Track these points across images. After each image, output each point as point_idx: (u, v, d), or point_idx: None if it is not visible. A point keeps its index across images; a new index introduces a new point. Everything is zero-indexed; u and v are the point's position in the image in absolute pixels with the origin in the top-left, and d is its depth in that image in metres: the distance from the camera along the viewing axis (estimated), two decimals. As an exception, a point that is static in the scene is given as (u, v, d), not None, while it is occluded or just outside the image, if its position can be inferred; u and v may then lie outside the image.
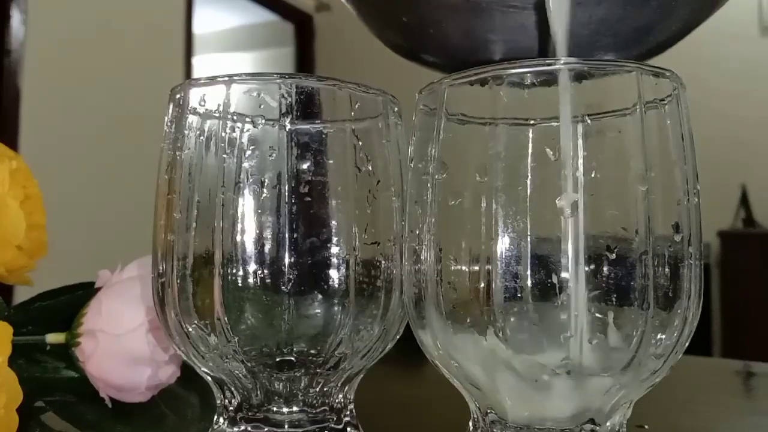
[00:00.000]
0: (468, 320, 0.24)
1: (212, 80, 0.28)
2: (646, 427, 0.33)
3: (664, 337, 0.24)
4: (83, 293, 0.40)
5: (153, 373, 0.37)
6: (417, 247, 0.25)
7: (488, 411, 0.25)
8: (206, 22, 3.40)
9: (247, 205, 0.27)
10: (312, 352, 0.28)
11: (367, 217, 0.28)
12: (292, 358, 0.27)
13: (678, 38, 0.32)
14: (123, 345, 0.36)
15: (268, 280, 0.26)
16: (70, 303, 0.39)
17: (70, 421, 0.37)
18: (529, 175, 0.23)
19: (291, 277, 0.26)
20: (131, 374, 0.36)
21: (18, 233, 0.38)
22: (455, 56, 0.34)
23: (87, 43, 2.22)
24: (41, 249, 0.42)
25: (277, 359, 0.27)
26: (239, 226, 0.26)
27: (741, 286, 2.40)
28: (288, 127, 0.28)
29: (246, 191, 0.27)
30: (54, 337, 0.38)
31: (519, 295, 0.23)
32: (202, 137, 0.28)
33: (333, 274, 0.27)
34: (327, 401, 0.29)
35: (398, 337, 0.30)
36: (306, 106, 0.28)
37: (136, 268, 0.39)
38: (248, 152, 0.27)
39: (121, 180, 2.22)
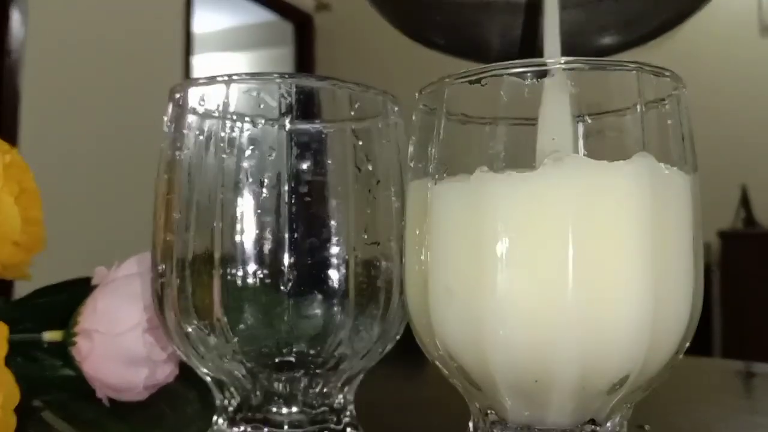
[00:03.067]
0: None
1: (211, 80, 0.28)
2: (646, 427, 0.33)
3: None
4: (80, 290, 0.39)
5: (150, 373, 0.36)
6: (417, 247, 0.25)
7: (488, 411, 0.25)
8: (205, 21, 3.40)
9: (246, 205, 0.27)
10: (312, 352, 0.27)
11: (367, 217, 0.28)
12: (292, 359, 0.27)
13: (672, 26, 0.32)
14: (119, 345, 0.35)
15: (267, 281, 0.26)
16: (67, 300, 0.39)
17: (67, 419, 0.37)
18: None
19: (291, 277, 0.26)
20: (128, 375, 0.36)
21: (14, 230, 0.38)
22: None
23: (86, 43, 2.22)
24: (39, 243, 0.41)
25: (277, 360, 0.27)
26: (239, 226, 0.26)
27: (741, 286, 2.39)
28: (288, 126, 0.27)
29: (245, 191, 0.27)
30: (51, 335, 0.38)
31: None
32: (201, 137, 0.28)
33: (333, 274, 0.27)
34: (327, 402, 0.29)
35: (398, 337, 0.30)
36: (306, 106, 0.28)
37: (134, 264, 0.38)
38: (248, 152, 0.27)
39: (121, 179, 2.21)
